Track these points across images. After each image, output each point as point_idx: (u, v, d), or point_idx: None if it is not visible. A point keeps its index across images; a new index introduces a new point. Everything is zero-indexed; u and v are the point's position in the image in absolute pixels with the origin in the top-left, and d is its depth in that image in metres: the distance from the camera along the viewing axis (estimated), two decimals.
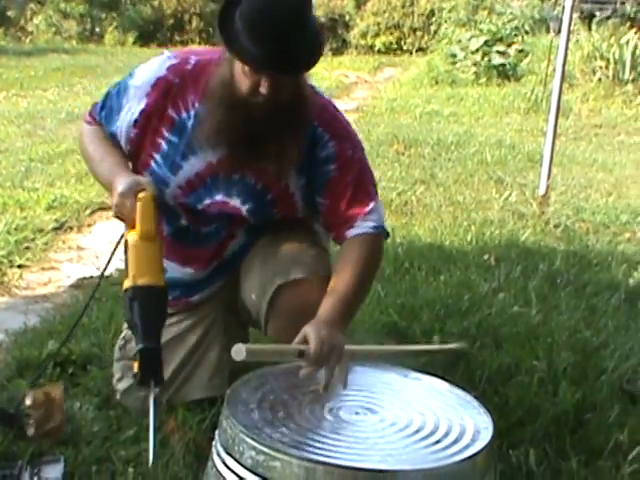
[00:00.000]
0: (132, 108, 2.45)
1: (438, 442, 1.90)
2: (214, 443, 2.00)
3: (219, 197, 2.48)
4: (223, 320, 2.76)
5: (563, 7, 6.29)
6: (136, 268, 2.25)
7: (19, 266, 4.61)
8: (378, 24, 19.57)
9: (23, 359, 3.23)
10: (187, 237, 2.60)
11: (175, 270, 2.61)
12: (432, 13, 19.06)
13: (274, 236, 2.57)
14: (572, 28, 6.19)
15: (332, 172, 2.42)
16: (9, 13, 21.43)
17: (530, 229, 5.53)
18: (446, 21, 16.84)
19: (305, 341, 2.11)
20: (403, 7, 19.58)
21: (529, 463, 2.63)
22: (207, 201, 2.49)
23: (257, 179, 2.46)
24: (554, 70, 6.73)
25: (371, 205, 2.43)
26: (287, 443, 1.83)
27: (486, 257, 4.76)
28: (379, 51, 19.43)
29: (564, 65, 6.14)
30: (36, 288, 4.38)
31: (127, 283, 2.26)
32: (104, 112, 2.56)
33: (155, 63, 2.49)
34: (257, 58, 2.13)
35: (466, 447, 1.87)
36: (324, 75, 14.34)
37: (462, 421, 2.00)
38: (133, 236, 2.28)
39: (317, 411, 2.03)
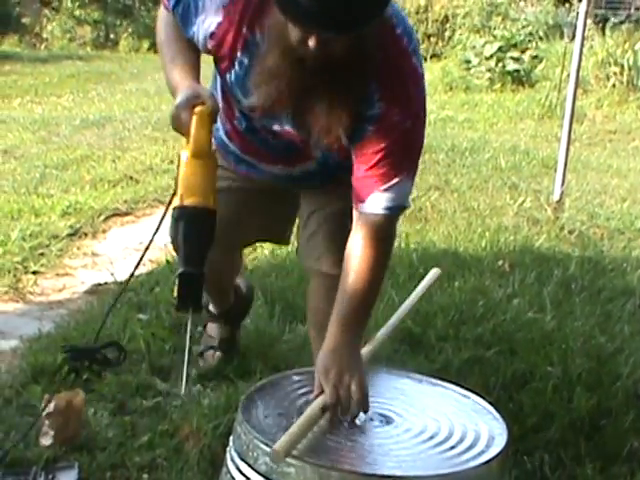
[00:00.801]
0: (208, 18, 2.22)
1: (453, 448, 1.90)
2: (228, 449, 2.00)
3: (287, 127, 2.33)
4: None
5: (577, 13, 6.28)
6: (185, 187, 2.09)
7: (34, 272, 4.62)
8: None
9: (38, 365, 3.24)
10: (259, 139, 2.51)
11: (242, 152, 2.63)
12: (446, 19, 19.05)
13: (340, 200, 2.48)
14: (586, 34, 6.18)
15: (369, 132, 2.17)
16: (24, 20, 21.53)
17: (545, 235, 5.52)
18: (460, 27, 16.85)
19: (321, 391, 2.06)
20: (417, 13, 19.56)
21: (544, 469, 2.63)
22: (276, 127, 2.36)
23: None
24: (568, 76, 6.71)
25: (395, 180, 2.21)
26: (301, 449, 1.83)
27: (500, 263, 4.75)
28: None
29: (578, 71, 6.13)
30: (51, 294, 4.39)
31: (175, 201, 2.11)
32: (179, 8, 2.30)
33: None
34: (295, 12, 1.91)
35: (481, 453, 1.87)
36: None
37: (477, 427, 2.00)
38: (185, 153, 2.12)
39: (331, 417, 2.03)
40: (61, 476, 2.56)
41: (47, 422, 2.73)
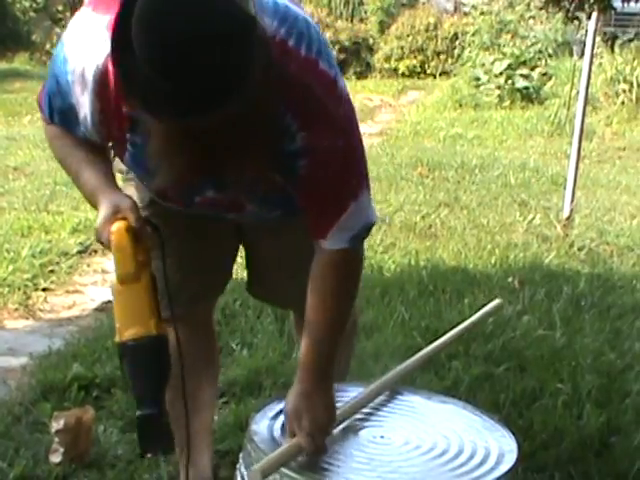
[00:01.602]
0: (87, 111, 1.92)
1: (463, 465, 1.89)
2: (238, 466, 1.99)
3: (210, 193, 2.04)
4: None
5: (586, 30, 6.29)
6: (120, 319, 1.86)
7: (44, 289, 4.64)
8: (402, 48, 19.55)
9: (47, 382, 3.25)
10: (185, 208, 2.18)
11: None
12: (456, 37, 19.04)
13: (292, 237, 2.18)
14: (595, 51, 6.18)
15: (301, 169, 1.88)
16: (34, 37, 21.59)
17: (554, 252, 5.51)
18: (470, 44, 16.84)
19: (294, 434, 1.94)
20: (427, 31, 19.56)
21: None
22: (198, 199, 2.08)
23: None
24: (577, 93, 6.72)
25: (351, 206, 1.93)
26: (311, 467, 1.83)
27: (510, 280, 4.75)
28: (403, 74, 19.40)
29: (587, 88, 6.13)
30: (60, 311, 4.40)
31: (116, 337, 1.87)
32: (57, 117, 2.02)
33: (90, 41, 1.86)
34: (141, 105, 1.66)
35: (491, 470, 1.86)
36: None
37: (486, 444, 1.99)
38: (115, 279, 1.89)
39: (341, 434, 2.03)
40: None
41: (57, 439, 2.73)
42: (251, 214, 2.16)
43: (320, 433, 1.93)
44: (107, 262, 5.13)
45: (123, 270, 1.85)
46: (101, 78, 1.85)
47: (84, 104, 1.90)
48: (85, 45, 1.86)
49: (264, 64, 1.61)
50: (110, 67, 1.79)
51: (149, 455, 1.94)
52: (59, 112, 1.99)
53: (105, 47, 1.75)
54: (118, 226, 1.85)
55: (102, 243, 1.91)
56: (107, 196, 1.93)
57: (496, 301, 2.70)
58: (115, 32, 1.61)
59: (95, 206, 1.96)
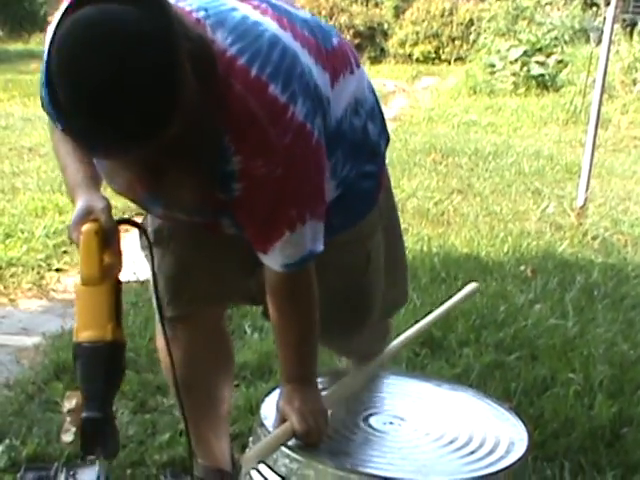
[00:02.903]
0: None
1: (472, 453, 1.89)
2: (247, 450, 2.00)
3: (159, 210, 2.05)
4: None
5: (604, 17, 6.25)
6: (78, 319, 1.85)
7: (57, 270, 4.65)
8: (417, 33, 19.51)
9: (60, 362, 3.27)
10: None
11: None
12: (471, 22, 18.98)
13: None
14: (613, 38, 6.15)
15: (236, 191, 1.80)
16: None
17: (567, 241, 5.50)
18: (485, 31, 16.76)
19: (285, 419, 1.92)
20: (442, 16, 19.51)
21: (564, 476, 2.62)
22: (155, 212, 2.09)
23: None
24: (594, 81, 6.69)
25: (285, 236, 1.84)
26: (321, 451, 1.84)
27: (523, 268, 4.75)
28: (417, 60, 19.36)
29: (604, 76, 6.09)
30: (73, 292, 4.41)
31: (73, 337, 1.86)
32: (49, 117, 2.03)
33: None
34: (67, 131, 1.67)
35: (500, 458, 1.87)
36: None
37: (497, 432, 1.99)
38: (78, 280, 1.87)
39: (351, 420, 2.03)
40: (82, 473, 2.57)
41: (68, 419, 2.74)
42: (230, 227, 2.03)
43: (311, 414, 1.91)
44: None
45: (87, 272, 1.84)
46: None
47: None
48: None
49: (195, 89, 1.55)
50: None
51: (91, 457, 1.99)
52: (50, 115, 1.98)
53: None
54: (87, 227, 1.82)
55: (73, 241, 1.88)
56: (83, 195, 1.91)
57: (472, 284, 2.68)
58: (46, 69, 1.58)
59: (73, 203, 1.95)
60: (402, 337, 2.43)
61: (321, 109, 1.82)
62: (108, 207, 1.87)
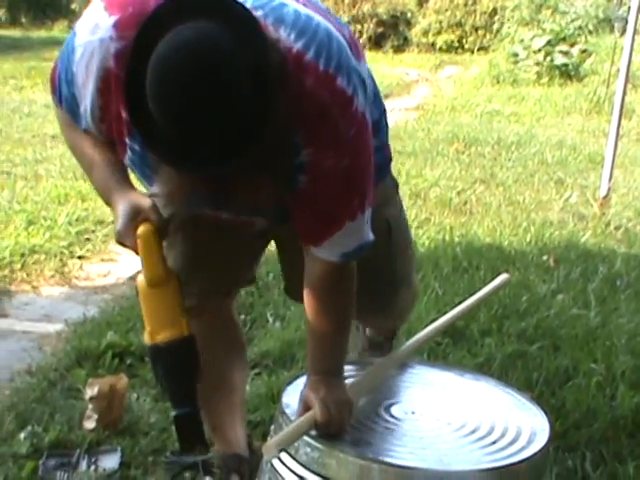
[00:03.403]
0: (87, 104, 1.89)
1: (494, 443, 1.89)
2: (269, 439, 2.00)
3: (208, 211, 2.03)
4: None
5: (629, 7, 6.21)
6: (152, 322, 1.86)
7: (79, 257, 4.67)
8: (440, 22, 19.47)
9: (82, 349, 3.28)
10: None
11: None
12: (495, 12, 18.92)
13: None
14: (637, 28, 6.10)
15: (302, 183, 1.82)
16: (73, 6, 21.66)
17: (590, 231, 5.48)
18: (509, 20, 16.70)
19: (308, 408, 1.92)
20: (465, 5, 19.45)
21: (585, 467, 2.62)
22: (197, 211, 2.05)
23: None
24: (618, 71, 6.64)
25: (345, 227, 1.88)
26: (342, 440, 1.84)
27: (545, 258, 4.73)
28: (440, 49, 19.33)
29: (629, 66, 6.05)
30: (96, 279, 4.43)
31: (146, 339, 1.87)
32: (64, 103, 1.97)
33: (97, 38, 1.82)
34: (152, 150, 1.66)
35: (522, 449, 1.86)
36: (385, 72, 14.31)
37: (519, 422, 1.98)
38: (142, 282, 1.87)
39: (373, 409, 2.03)
40: (104, 459, 2.59)
41: (90, 406, 2.76)
42: (263, 224, 2.12)
43: (335, 404, 1.90)
44: None
45: (152, 274, 1.85)
46: (105, 76, 1.82)
47: (85, 97, 1.87)
48: (92, 41, 1.82)
49: (281, 99, 1.59)
50: (115, 69, 1.78)
51: (188, 452, 1.99)
52: (66, 99, 1.95)
53: (111, 45, 1.78)
54: (143, 230, 1.83)
55: (125, 246, 1.88)
56: (124, 197, 1.89)
57: (504, 275, 2.66)
58: (129, 88, 1.61)
59: (108, 204, 1.94)
60: (431, 327, 2.42)
61: (368, 98, 1.88)
62: (154, 204, 1.87)
